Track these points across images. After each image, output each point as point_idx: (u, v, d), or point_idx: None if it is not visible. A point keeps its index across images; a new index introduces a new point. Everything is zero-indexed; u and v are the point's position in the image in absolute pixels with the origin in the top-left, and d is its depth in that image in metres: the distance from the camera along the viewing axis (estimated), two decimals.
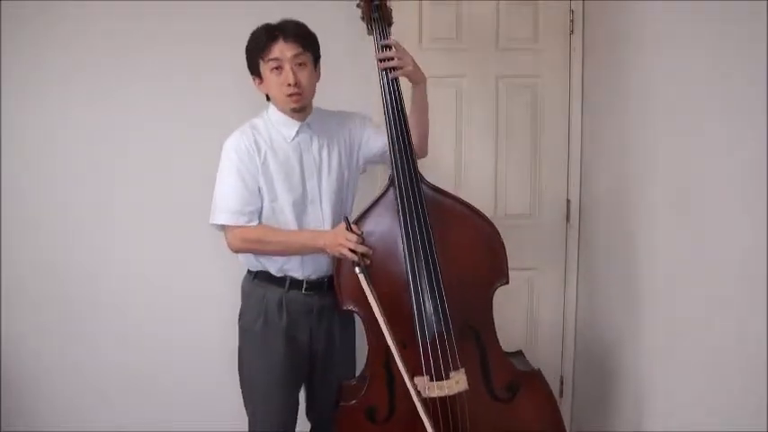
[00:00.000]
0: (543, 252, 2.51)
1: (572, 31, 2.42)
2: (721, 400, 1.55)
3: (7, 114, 2.31)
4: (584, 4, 2.41)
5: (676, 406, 1.77)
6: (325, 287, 1.86)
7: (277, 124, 1.84)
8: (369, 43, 1.80)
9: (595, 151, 2.37)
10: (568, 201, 2.50)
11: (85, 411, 2.43)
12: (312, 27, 1.83)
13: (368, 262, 1.71)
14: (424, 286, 1.75)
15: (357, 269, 1.68)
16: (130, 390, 2.44)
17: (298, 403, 1.96)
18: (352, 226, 1.71)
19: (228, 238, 1.82)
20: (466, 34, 2.42)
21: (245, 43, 1.81)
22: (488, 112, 2.45)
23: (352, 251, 1.68)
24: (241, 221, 1.78)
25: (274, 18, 1.82)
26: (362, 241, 1.70)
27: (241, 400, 1.95)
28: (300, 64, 1.76)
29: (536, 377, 1.88)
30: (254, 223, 1.80)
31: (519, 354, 2.00)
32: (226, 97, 2.32)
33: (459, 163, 2.46)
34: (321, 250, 1.76)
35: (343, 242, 1.69)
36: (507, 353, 1.92)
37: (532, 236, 2.46)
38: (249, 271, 1.92)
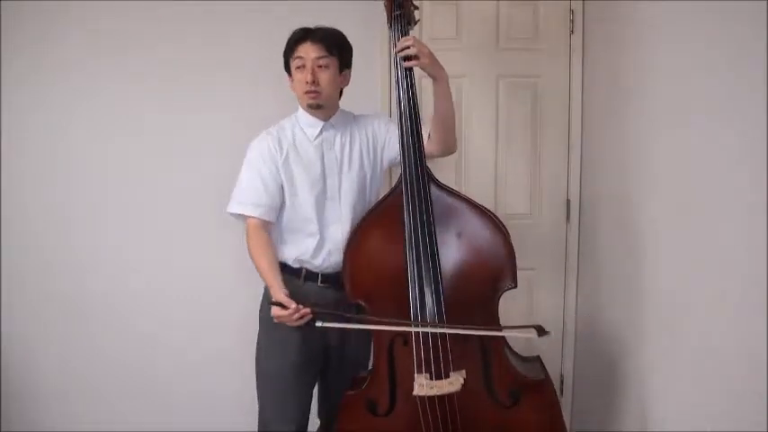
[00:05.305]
0: (543, 252, 2.51)
1: (572, 31, 2.43)
2: (722, 400, 1.55)
3: (7, 114, 2.31)
4: (584, 3, 2.41)
5: (677, 406, 1.77)
6: (341, 282, 1.88)
7: (303, 124, 1.91)
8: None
9: (595, 151, 2.37)
10: (568, 201, 2.50)
11: (85, 411, 2.43)
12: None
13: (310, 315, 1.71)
14: (423, 283, 1.75)
15: (318, 324, 1.69)
16: (130, 390, 2.44)
17: (311, 402, 1.98)
18: (278, 303, 1.69)
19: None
20: (466, 34, 2.42)
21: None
22: (489, 112, 2.46)
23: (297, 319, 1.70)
24: (255, 213, 1.84)
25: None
26: (294, 310, 1.68)
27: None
28: (323, 66, 1.82)
29: (541, 385, 1.83)
30: (268, 218, 1.85)
31: (534, 359, 1.95)
32: (228, 97, 2.32)
33: (460, 163, 2.46)
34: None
35: (285, 320, 1.71)
36: (523, 357, 1.91)
37: (532, 236, 2.46)
38: None
